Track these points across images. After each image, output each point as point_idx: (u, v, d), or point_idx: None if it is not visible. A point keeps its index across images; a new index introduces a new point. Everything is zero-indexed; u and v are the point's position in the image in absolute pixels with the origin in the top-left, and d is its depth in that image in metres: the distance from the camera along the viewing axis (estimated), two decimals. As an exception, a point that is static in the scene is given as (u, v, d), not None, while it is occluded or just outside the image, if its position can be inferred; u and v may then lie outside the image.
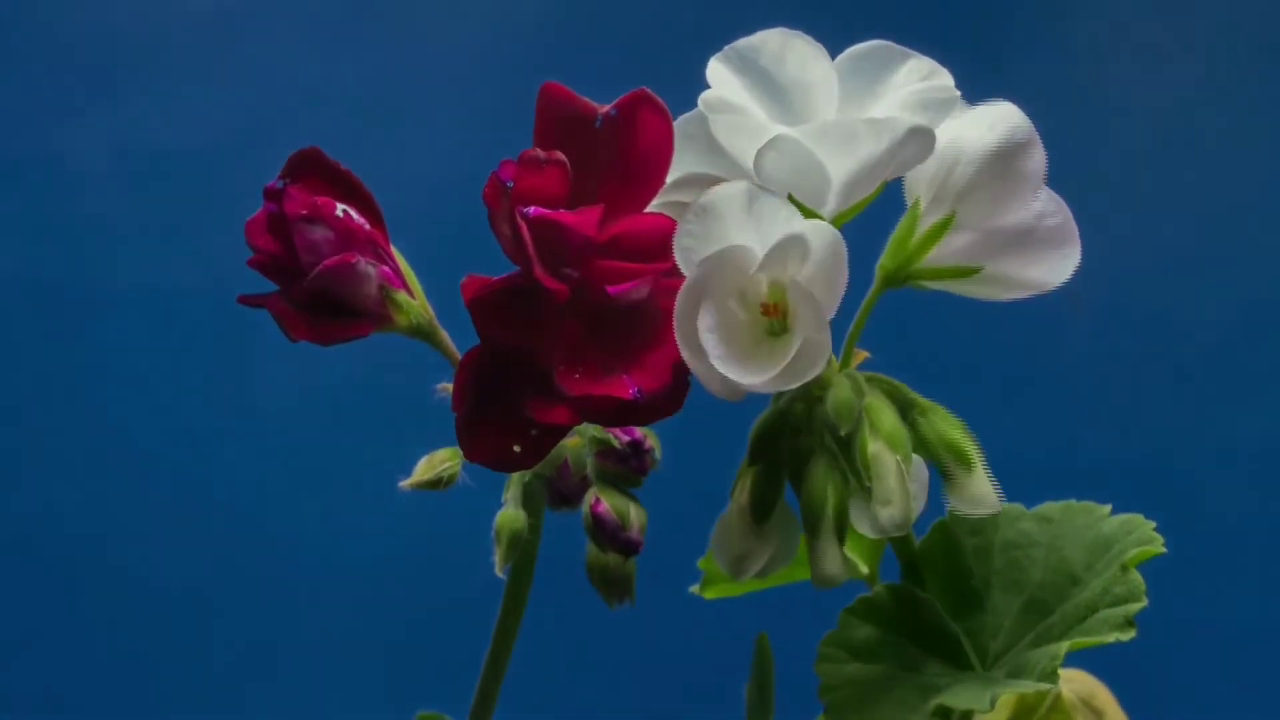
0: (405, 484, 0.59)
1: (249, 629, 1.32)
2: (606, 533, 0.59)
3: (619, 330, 0.51)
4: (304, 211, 0.55)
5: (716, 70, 0.53)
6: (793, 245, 0.49)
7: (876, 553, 0.69)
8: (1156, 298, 1.33)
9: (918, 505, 0.53)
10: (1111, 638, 0.51)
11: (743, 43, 0.53)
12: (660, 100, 0.53)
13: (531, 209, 0.50)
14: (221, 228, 1.30)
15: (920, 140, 0.50)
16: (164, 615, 1.32)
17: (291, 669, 1.32)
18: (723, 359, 0.49)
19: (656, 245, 0.51)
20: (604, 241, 0.52)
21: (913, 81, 0.52)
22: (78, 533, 1.32)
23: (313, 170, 0.56)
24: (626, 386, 0.50)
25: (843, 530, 0.53)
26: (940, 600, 0.58)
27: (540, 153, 0.51)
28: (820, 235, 0.49)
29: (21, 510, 1.33)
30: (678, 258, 0.50)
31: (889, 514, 0.51)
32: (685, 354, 0.49)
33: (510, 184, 0.51)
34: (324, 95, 1.37)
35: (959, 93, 0.52)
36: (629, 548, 0.59)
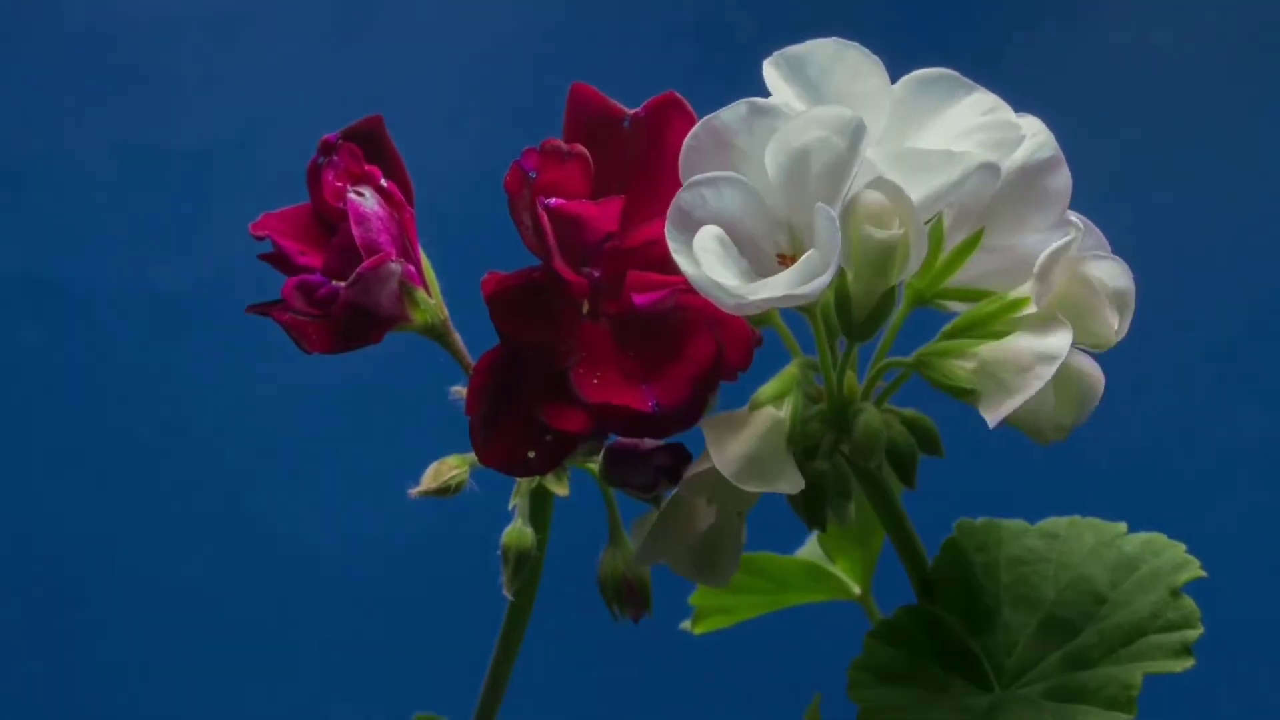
0: (414, 492, 0.58)
1: (249, 630, 1.32)
2: (629, 447, 0.54)
3: (641, 339, 0.51)
4: (350, 182, 0.54)
5: (769, 75, 0.52)
6: (792, 174, 0.48)
7: (868, 573, 0.68)
8: (1157, 297, 1.33)
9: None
10: (1179, 666, 0.51)
11: (792, 50, 0.51)
12: (688, 104, 0.52)
13: (553, 200, 0.50)
14: (221, 228, 1.30)
15: (986, 176, 0.49)
16: (164, 616, 1.31)
17: (292, 669, 1.32)
18: (718, 269, 0.47)
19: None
20: (631, 248, 0.51)
21: (976, 115, 0.51)
22: (77, 532, 1.32)
23: (369, 143, 0.55)
24: (645, 398, 0.49)
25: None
26: (954, 619, 0.57)
27: (562, 144, 0.51)
28: (824, 143, 0.48)
29: (21, 510, 1.33)
30: (682, 171, 0.49)
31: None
32: (682, 265, 0.47)
33: (533, 174, 0.50)
34: (324, 95, 1.36)
35: (1023, 131, 0.51)
36: (670, 448, 0.54)
